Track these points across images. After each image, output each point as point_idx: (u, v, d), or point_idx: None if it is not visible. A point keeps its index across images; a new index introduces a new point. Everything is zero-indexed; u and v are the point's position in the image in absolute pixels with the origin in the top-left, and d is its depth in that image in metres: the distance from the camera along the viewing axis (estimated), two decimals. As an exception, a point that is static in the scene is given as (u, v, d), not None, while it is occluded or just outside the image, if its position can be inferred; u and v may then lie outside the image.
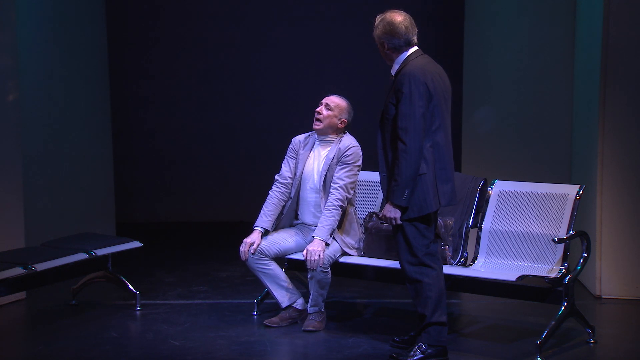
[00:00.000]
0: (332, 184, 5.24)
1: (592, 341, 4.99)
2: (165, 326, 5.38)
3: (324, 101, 5.34)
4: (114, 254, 5.80)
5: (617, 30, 5.91)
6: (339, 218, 5.21)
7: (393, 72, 4.53)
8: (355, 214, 5.41)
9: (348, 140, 5.33)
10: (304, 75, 9.39)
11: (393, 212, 4.44)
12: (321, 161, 5.33)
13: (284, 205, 5.45)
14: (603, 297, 6.05)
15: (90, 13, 7.79)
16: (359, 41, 9.41)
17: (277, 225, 5.47)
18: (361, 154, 5.34)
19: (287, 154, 5.47)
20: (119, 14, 9.13)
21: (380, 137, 4.54)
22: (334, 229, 5.20)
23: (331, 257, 5.18)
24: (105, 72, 8.04)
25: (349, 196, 5.25)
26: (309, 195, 5.38)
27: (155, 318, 5.58)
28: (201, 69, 9.49)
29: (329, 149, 5.34)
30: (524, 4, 7.03)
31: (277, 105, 9.39)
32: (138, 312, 5.73)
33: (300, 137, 5.48)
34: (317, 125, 5.33)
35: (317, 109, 5.32)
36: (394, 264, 5.16)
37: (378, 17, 4.57)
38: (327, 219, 5.17)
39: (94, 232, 6.69)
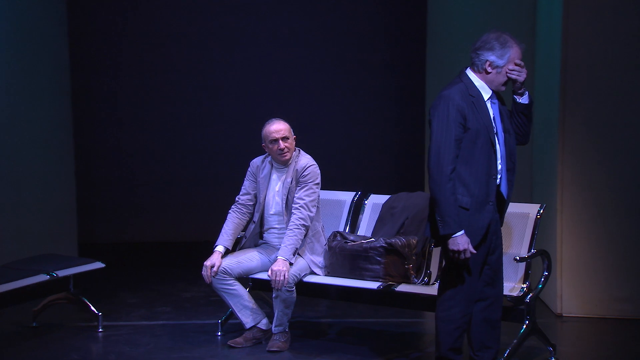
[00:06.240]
0: (293, 204, 5.30)
1: None
2: (128, 348, 5.35)
3: (276, 136, 5.30)
4: (75, 275, 5.75)
5: (575, 54, 6.00)
6: (302, 237, 5.26)
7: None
8: (323, 231, 5.48)
9: (304, 160, 5.39)
10: (271, 98, 9.41)
11: (451, 244, 4.19)
12: (281, 185, 5.39)
13: (247, 228, 5.52)
14: (564, 315, 6.11)
15: (53, 29, 7.69)
16: (327, 63, 9.52)
17: (242, 247, 5.52)
18: (319, 171, 5.39)
19: (246, 176, 5.55)
20: (83, 33, 9.07)
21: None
22: (297, 248, 5.24)
23: (296, 276, 5.21)
24: (68, 89, 7.96)
25: (311, 214, 5.31)
26: (273, 219, 5.47)
27: (117, 340, 5.55)
28: (168, 89, 9.44)
29: (286, 171, 5.39)
30: (485, 26, 7.12)
31: (242, 128, 9.35)
32: (100, 334, 5.69)
33: (257, 160, 5.55)
34: (285, 157, 5.35)
35: (280, 147, 5.30)
36: (358, 283, 5.21)
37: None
38: (290, 239, 5.21)
39: (56, 252, 6.62)
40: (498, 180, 4.29)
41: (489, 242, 4.33)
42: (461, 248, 4.16)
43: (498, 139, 4.28)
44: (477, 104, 4.24)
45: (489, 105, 4.29)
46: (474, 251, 4.20)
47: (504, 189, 4.33)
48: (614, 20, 5.94)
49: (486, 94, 4.29)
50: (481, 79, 4.29)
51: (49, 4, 7.65)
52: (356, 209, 5.79)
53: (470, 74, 4.32)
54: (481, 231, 4.24)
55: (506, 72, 4.26)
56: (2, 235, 6.83)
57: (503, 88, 4.31)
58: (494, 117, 4.29)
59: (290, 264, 5.16)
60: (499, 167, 4.29)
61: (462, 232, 4.17)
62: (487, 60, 4.26)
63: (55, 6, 7.72)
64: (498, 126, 4.30)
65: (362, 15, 9.48)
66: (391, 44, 9.48)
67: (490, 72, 4.27)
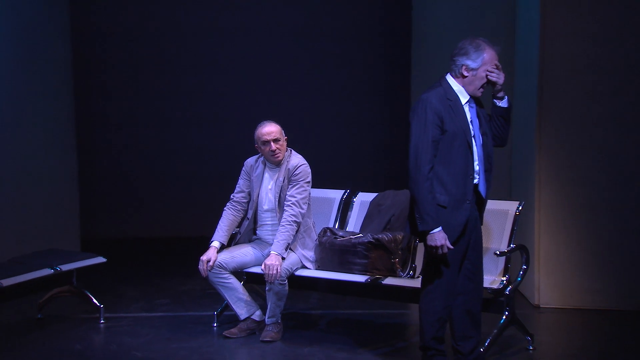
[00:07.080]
0: (285, 202, 5.44)
1: (531, 348, 5.20)
2: (129, 338, 5.47)
3: (267, 138, 5.44)
4: (78, 269, 5.84)
5: (552, 56, 6.09)
6: (294, 233, 5.41)
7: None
8: (313, 227, 5.62)
9: (295, 159, 5.53)
10: (263, 99, 9.46)
11: (429, 240, 4.33)
12: (274, 183, 5.54)
13: (242, 225, 5.65)
14: (541, 306, 6.24)
15: (56, 30, 7.71)
16: (316, 64, 9.60)
17: (236, 242, 5.67)
18: (309, 170, 5.53)
19: (241, 175, 5.68)
20: (84, 32, 9.10)
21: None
22: (289, 243, 5.39)
23: (288, 270, 5.35)
24: (70, 88, 7.96)
25: (302, 211, 5.46)
26: (266, 215, 5.62)
27: (118, 331, 5.66)
28: (168, 88, 9.47)
29: (279, 170, 5.56)
30: (469, 28, 7.26)
31: (238, 128, 9.25)
32: (102, 325, 5.79)
33: (251, 160, 5.69)
34: (278, 157, 5.51)
35: (271, 149, 5.44)
36: (347, 276, 5.34)
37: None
38: (282, 234, 5.37)
39: (59, 248, 6.68)
40: (476, 180, 4.44)
41: (468, 238, 4.47)
42: (438, 244, 4.31)
43: (475, 141, 4.42)
44: (455, 107, 4.38)
45: (466, 108, 4.43)
46: (452, 247, 4.35)
47: (482, 189, 4.47)
48: (590, 22, 6.05)
49: (464, 98, 4.44)
50: (459, 84, 4.44)
51: (51, 4, 7.66)
52: (345, 206, 5.91)
53: (449, 79, 4.48)
54: (459, 228, 4.40)
55: (486, 75, 4.40)
56: (7, 231, 6.88)
57: (480, 92, 4.45)
58: (471, 120, 4.42)
59: (283, 258, 5.32)
60: (476, 167, 4.42)
61: (439, 228, 4.31)
62: (462, 65, 4.41)
63: (57, 6, 7.73)
64: (475, 129, 4.44)
65: (349, 16, 9.48)
66: (378, 44, 9.49)
67: (467, 76, 4.42)
